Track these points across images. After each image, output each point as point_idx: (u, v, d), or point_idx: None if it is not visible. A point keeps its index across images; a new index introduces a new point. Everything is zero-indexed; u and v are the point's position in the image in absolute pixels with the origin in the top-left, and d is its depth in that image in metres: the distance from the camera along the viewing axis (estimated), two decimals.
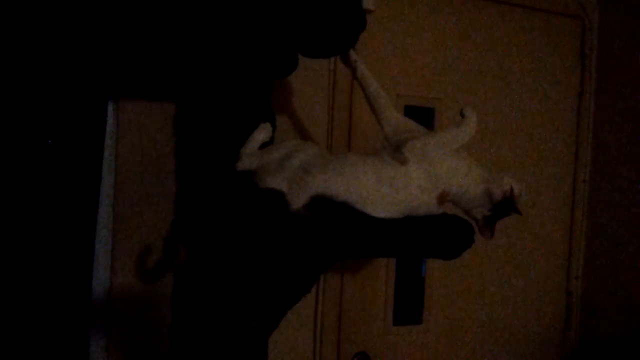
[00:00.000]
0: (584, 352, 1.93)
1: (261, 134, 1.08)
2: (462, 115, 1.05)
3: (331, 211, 0.96)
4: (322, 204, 0.95)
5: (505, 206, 1.03)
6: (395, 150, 1.02)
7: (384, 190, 0.98)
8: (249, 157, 1.05)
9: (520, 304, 1.86)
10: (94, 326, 1.34)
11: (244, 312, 1.09)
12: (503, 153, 1.80)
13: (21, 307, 1.24)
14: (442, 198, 1.02)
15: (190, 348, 1.28)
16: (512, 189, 1.02)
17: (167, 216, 1.36)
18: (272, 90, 1.19)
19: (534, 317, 1.88)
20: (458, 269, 1.76)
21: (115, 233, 1.34)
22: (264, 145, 1.09)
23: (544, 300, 1.90)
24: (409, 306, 1.72)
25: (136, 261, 1.35)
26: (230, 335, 1.14)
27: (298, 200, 0.96)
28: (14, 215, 1.23)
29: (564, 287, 1.93)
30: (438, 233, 1.01)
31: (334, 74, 1.54)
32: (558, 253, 1.91)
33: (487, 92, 1.77)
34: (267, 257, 1.00)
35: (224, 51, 1.12)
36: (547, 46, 1.84)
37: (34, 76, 1.22)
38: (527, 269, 1.86)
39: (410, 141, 1.01)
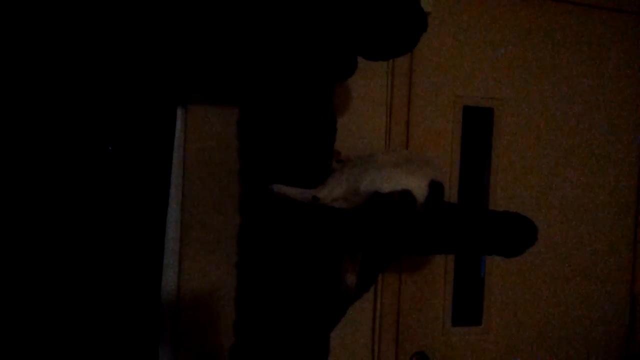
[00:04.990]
0: None
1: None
2: None
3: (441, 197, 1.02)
4: (438, 189, 1.01)
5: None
6: None
7: None
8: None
9: (582, 307, 1.82)
10: (163, 325, 1.40)
11: (309, 307, 1.13)
12: (564, 153, 1.77)
13: (94, 309, 1.31)
14: None
15: (255, 342, 1.33)
16: None
17: (232, 216, 1.41)
18: (333, 93, 1.23)
19: (597, 321, 1.84)
20: (518, 271, 1.74)
21: (183, 234, 1.40)
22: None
23: (607, 303, 1.85)
24: (468, 307, 1.71)
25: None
26: (294, 329, 1.18)
27: (420, 193, 1.03)
28: (84, 221, 1.30)
29: (628, 290, 1.87)
30: (501, 230, 1.02)
31: (392, 75, 1.56)
32: (622, 254, 1.86)
33: (547, 92, 1.75)
34: (334, 255, 1.04)
35: (286, 55, 1.16)
36: (609, 44, 1.81)
37: (101, 84, 1.29)
38: (590, 271, 1.82)
39: None
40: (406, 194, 1.02)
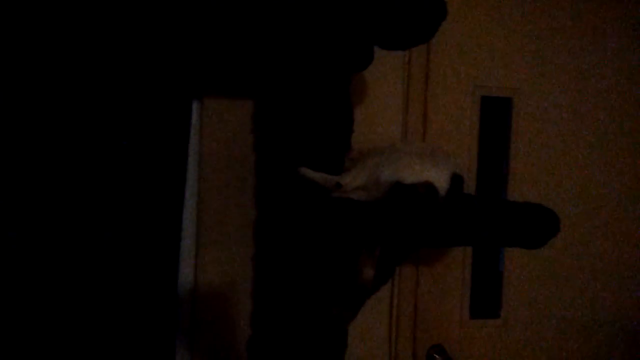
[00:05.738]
0: None
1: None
2: None
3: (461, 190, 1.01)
4: (459, 182, 1.00)
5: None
6: None
7: None
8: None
9: (604, 300, 1.79)
10: (180, 317, 1.41)
11: (326, 300, 1.13)
12: (584, 143, 1.74)
13: (109, 303, 1.31)
14: None
15: (272, 335, 1.33)
16: None
17: (249, 209, 1.41)
18: (350, 84, 1.22)
19: (619, 314, 1.81)
20: (537, 263, 1.71)
21: (199, 227, 1.40)
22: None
23: (630, 296, 1.82)
24: (486, 300, 1.70)
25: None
26: (311, 323, 1.18)
27: (443, 186, 1.02)
28: (100, 215, 1.30)
29: None
30: (522, 221, 1.00)
31: (408, 65, 1.54)
32: None
33: (566, 82, 1.72)
34: (352, 249, 1.03)
35: (301, 46, 1.15)
36: (631, 33, 1.77)
37: (116, 78, 1.28)
38: (611, 263, 1.79)
39: None
40: (429, 186, 1.00)
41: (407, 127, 1.56)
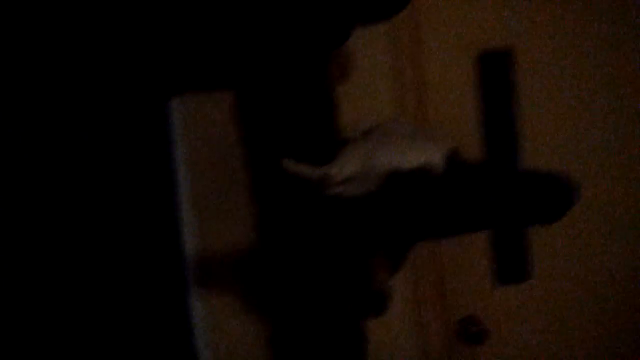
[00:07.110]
0: None
1: None
2: None
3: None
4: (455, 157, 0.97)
5: None
6: None
7: None
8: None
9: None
10: None
11: (341, 309, 1.08)
12: (588, 95, 1.64)
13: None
14: None
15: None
16: None
17: (244, 204, 1.33)
18: (329, 62, 1.14)
19: None
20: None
21: (198, 227, 1.34)
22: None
23: None
24: (513, 264, 1.63)
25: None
26: (330, 318, 1.12)
27: (439, 166, 0.96)
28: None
29: None
30: (535, 196, 0.92)
31: (395, 31, 1.42)
32: None
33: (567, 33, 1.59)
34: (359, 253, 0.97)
35: (275, 29, 1.09)
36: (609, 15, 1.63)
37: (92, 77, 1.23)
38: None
39: None
40: (426, 170, 0.93)
41: (401, 98, 1.47)
